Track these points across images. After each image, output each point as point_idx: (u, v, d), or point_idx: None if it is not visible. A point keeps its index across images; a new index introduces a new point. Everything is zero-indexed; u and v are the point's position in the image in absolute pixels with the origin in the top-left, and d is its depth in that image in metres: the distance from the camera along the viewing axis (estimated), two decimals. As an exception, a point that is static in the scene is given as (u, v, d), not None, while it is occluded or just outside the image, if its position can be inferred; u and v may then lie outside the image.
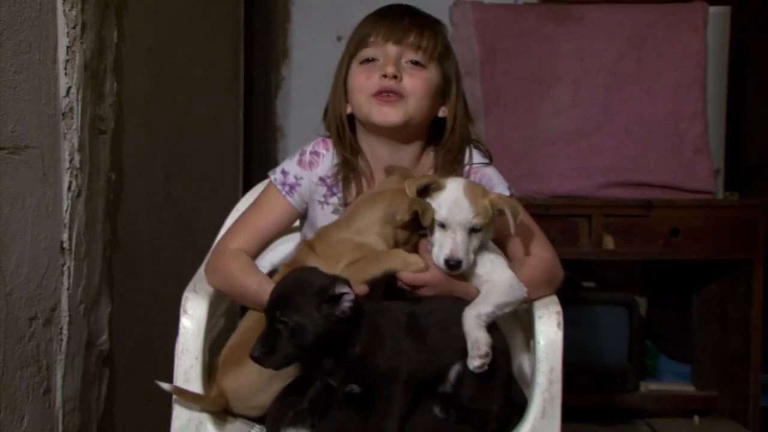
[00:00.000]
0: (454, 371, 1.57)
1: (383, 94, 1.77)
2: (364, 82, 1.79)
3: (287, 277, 1.55)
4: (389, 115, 1.77)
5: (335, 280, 1.48)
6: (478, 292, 1.65)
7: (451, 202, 1.64)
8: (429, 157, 1.87)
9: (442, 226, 1.64)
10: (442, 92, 1.83)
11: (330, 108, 1.88)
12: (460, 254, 1.62)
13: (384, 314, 1.57)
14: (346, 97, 1.84)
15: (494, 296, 1.63)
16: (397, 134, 1.81)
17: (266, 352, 1.48)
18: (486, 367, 1.53)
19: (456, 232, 1.63)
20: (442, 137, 1.86)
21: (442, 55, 1.81)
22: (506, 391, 1.63)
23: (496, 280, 1.66)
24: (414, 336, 1.56)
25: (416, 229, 1.68)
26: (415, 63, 1.78)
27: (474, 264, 1.66)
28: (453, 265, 1.62)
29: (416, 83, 1.77)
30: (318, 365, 1.54)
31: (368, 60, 1.79)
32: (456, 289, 1.65)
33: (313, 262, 1.67)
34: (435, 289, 1.64)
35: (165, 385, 1.68)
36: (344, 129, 1.84)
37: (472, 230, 1.64)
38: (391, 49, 1.78)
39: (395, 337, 1.54)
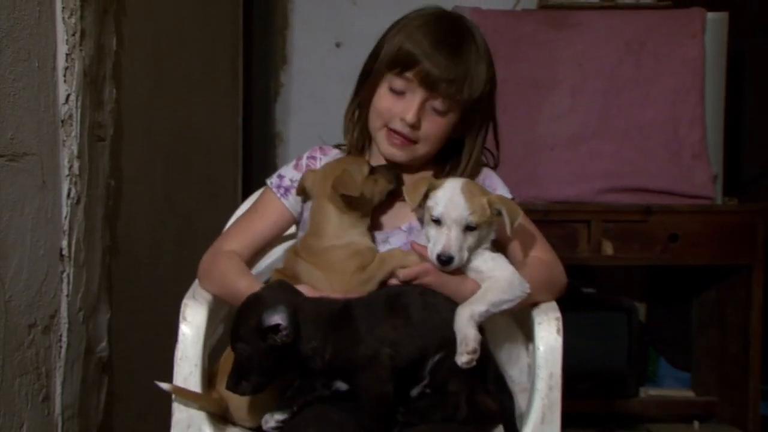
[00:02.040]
0: (436, 357, 1.57)
1: (395, 134, 1.78)
2: (384, 111, 1.78)
3: (239, 308, 1.58)
4: (395, 155, 1.80)
5: (265, 311, 1.50)
6: (476, 285, 1.66)
7: (447, 199, 1.66)
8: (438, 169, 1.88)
9: (438, 222, 1.66)
10: (461, 122, 1.80)
11: (352, 99, 1.88)
12: (453, 250, 1.63)
13: (356, 306, 1.58)
14: (366, 98, 1.83)
15: (491, 294, 1.64)
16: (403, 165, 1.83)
17: (236, 383, 1.54)
18: (474, 363, 1.54)
19: (451, 228, 1.65)
20: (458, 157, 1.84)
21: (469, 102, 1.76)
22: (482, 380, 1.61)
23: (497, 277, 1.67)
24: (394, 315, 1.57)
25: (365, 195, 1.73)
26: (438, 111, 1.76)
27: (470, 260, 1.67)
28: (445, 260, 1.63)
29: (432, 129, 1.77)
30: (299, 374, 1.58)
31: (396, 90, 1.77)
32: (448, 282, 1.66)
33: (311, 273, 1.71)
34: (427, 279, 1.65)
35: (164, 385, 1.68)
36: (361, 120, 1.85)
37: (468, 228, 1.66)
38: (420, 93, 1.74)
39: (371, 326, 1.56)
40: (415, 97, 1.75)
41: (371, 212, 1.79)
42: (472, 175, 1.84)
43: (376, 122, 1.81)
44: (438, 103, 1.75)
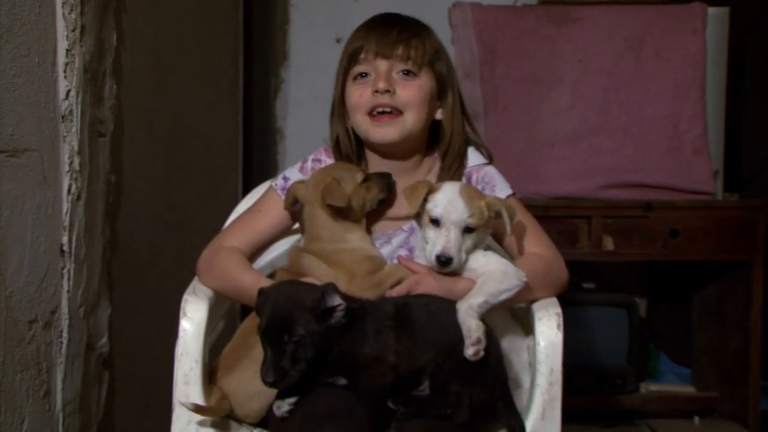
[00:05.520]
0: (436, 362, 1.58)
1: (378, 111, 1.79)
2: (357, 99, 1.81)
3: (276, 298, 1.56)
4: (388, 134, 1.80)
5: (325, 292, 1.51)
6: (470, 283, 1.67)
7: (447, 201, 1.68)
8: (430, 161, 1.89)
9: (437, 224, 1.67)
10: (437, 95, 1.84)
11: (330, 122, 1.91)
12: (452, 251, 1.65)
13: (369, 311, 1.59)
14: (344, 111, 1.86)
15: (487, 286, 1.65)
16: (398, 148, 1.84)
17: (281, 375, 1.51)
18: (482, 354, 1.55)
19: (450, 230, 1.66)
20: (440, 139, 1.87)
21: (432, 59, 1.83)
22: (490, 385, 1.61)
23: (491, 270, 1.68)
24: (400, 327, 1.59)
25: (354, 204, 1.76)
26: (407, 72, 1.80)
27: (467, 260, 1.69)
28: (444, 261, 1.65)
29: (410, 93, 1.79)
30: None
31: (360, 75, 1.82)
32: (441, 286, 1.68)
33: (319, 267, 1.72)
34: (420, 289, 1.68)
35: (186, 404, 1.68)
36: (348, 143, 1.87)
37: (467, 230, 1.67)
38: (381, 64, 1.79)
39: (379, 331, 1.57)
40: (378, 69, 1.80)
41: (365, 217, 1.81)
42: (459, 152, 1.86)
43: (357, 115, 1.82)
44: (402, 66, 1.79)
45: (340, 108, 1.87)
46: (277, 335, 1.52)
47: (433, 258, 1.66)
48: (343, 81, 1.85)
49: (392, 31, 1.80)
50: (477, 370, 1.57)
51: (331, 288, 1.52)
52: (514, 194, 1.87)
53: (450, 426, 1.56)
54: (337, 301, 1.51)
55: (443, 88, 1.85)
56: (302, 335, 1.50)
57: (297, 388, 1.58)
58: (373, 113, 1.80)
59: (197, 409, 1.67)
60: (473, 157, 1.89)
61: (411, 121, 1.80)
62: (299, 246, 1.83)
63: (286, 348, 1.51)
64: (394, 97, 1.78)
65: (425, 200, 1.70)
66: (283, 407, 1.59)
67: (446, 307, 1.63)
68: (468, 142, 1.90)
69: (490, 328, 1.63)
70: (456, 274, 1.70)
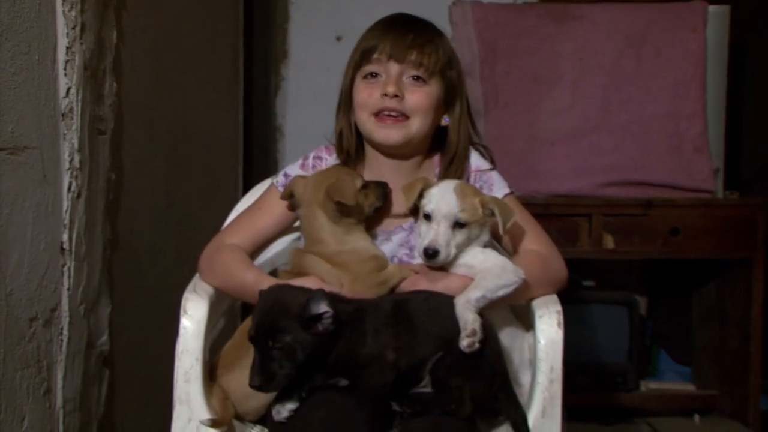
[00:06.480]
0: (436, 357, 1.58)
1: (384, 114, 1.79)
2: (365, 98, 1.81)
3: (264, 303, 1.56)
4: (391, 135, 1.80)
5: (311, 300, 1.50)
6: (466, 280, 1.68)
7: (440, 196, 1.69)
8: (431, 164, 1.89)
9: (429, 218, 1.68)
10: (444, 102, 1.85)
11: (336, 115, 1.91)
12: (440, 244, 1.65)
13: (368, 311, 1.59)
14: (350, 105, 1.86)
15: (485, 281, 1.66)
16: (400, 149, 1.84)
17: (267, 379, 1.51)
18: (476, 345, 1.55)
19: (440, 224, 1.67)
20: (443, 143, 1.88)
21: (444, 67, 1.82)
22: (489, 378, 1.61)
23: (489, 266, 1.69)
24: (398, 323, 1.58)
25: (351, 204, 1.74)
26: (417, 78, 1.80)
27: (459, 257, 1.69)
28: (431, 254, 1.66)
29: (418, 99, 1.79)
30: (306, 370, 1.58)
31: (371, 75, 1.81)
32: (436, 284, 1.68)
33: (321, 266, 1.72)
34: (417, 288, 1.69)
35: (204, 421, 1.67)
36: (350, 137, 1.87)
37: (457, 224, 1.68)
38: (393, 67, 1.79)
39: (377, 331, 1.57)
40: (390, 72, 1.79)
41: (363, 221, 1.80)
42: (464, 157, 1.87)
43: (363, 114, 1.82)
44: (413, 72, 1.79)
45: (347, 101, 1.87)
46: (263, 341, 1.51)
47: (421, 251, 1.67)
48: (352, 76, 1.85)
49: (408, 35, 1.80)
50: (474, 364, 1.57)
51: (318, 295, 1.50)
52: (511, 193, 1.87)
53: (453, 421, 1.56)
54: (323, 308, 1.50)
55: (452, 96, 1.85)
56: (287, 342, 1.50)
57: (297, 391, 1.58)
58: (379, 114, 1.80)
59: (214, 423, 1.67)
60: (477, 160, 1.90)
61: (416, 126, 1.81)
62: (299, 248, 1.83)
63: (272, 354, 1.50)
64: (402, 102, 1.79)
65: (421, 196, 1.71)
66: (282, 413, 1.58)
67: (445, 301, 1.63)
68: (472, 145, 1.91)
69: (489, 322, 1.63)
70: (445, 268, 1.70)
